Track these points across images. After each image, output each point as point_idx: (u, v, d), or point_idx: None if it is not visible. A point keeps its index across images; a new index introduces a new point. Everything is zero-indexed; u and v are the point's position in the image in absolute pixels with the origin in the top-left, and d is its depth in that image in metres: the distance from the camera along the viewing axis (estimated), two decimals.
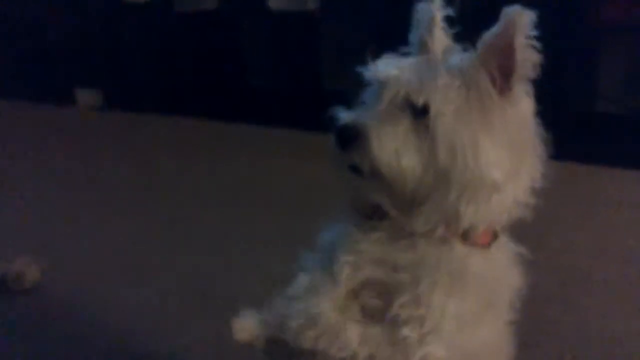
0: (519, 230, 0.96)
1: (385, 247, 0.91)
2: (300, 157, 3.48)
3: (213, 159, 3.71)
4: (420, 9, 0.97)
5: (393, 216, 0.91)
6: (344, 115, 0.91)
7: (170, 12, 4.78)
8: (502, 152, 0.87)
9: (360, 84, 0.96)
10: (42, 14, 5.15)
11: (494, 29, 0.87)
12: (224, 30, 4.60)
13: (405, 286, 0.88)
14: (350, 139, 0.88)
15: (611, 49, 3.48)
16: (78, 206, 2.92)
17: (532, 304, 0.97)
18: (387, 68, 0.92)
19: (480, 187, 0.86)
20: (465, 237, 0.90)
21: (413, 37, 0.98)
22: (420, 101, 0.87)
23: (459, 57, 0.92)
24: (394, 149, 0.87)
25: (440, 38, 0.96)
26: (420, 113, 0.87)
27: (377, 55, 0.95)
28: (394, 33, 0.98)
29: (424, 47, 0.96)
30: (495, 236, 0.93)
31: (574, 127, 3.06)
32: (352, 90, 0.97)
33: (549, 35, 0.85)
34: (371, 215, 0.93)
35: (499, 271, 0.93)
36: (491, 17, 0.87)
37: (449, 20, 0.97)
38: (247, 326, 0.98)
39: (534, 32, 0.84)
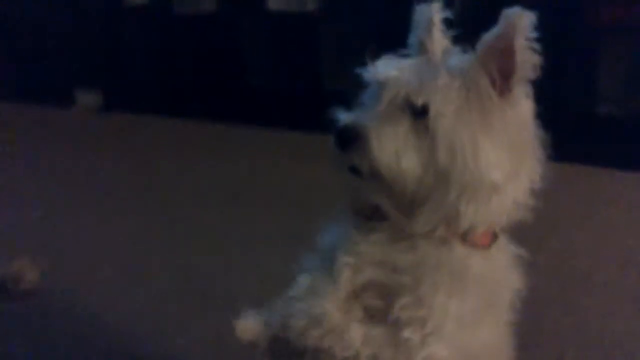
0: (518, 232, 0.96)
1: (385, 249, 0.91)
2: (300, 158, 3.48)
3: (213, 160, 3.71)
4: (419, 10, 0.97)
5: (393, 217, 0.91)
6: (344, 117, 0.92)
7: (170, 13, 4.77)
8: (502, 154, 0.87)
9: (360, 84, 0.96)
10: (42, 15, 5.15)
11: (494, 31, 0.87)
12: (224, 31, 4.60)
13: (406, 288, 0.88)
14: (350, 140, 0.88)
15: (611, 50, 3.48)
16: (78, 206, 2.92)
17: (532, 305, 0.97)
18: (386, 69, 0.92)
19: (480, 188, 0.86)
20: (465, 238, 0.90)
21: (412, 39, 0.98)
22: (419, 102, 0.87)
23: (459, 58, 0.92)
24: (393, 149, 0.87)
25: (439, 40, 0.96)
26: (419, 114, 0.87)
27: (376, 56, 0.95)
28: (394, 34, 0.99)
29: (422, 49, 0.97)
30: (495, 237, 0.93)
31: (574, 128, 3.06)
32: (352, 90, 0.97)
33: (549, 36, 0.85)
34: (371, 217, 0.93)
35: (499, 272, 0.93)
36: (490, 19, 0.87)
37: (448, 22, 0.97)
38: (249, 326, 0.98)
39: (534, 34, 0.85)
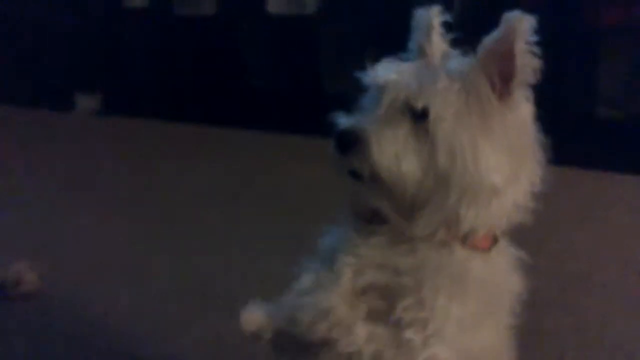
0: (519, 235, 0.97)
1: (386, 252, 0.91)
2: (300, 160, 3.48)
3: (213, 162, 3.71)
4: (419, 14, 0.97)
5: (393, 220, 0.91)
6: (344, 120, 0.92)
7: (170, 16, 4.77)
8: (502, 157, 0.87)
9: (360, 87, 0.96)
10: (41, 18, 5.15)
11: (494, 34, 0.87)
12: (224, 34, 4.60)
13: (408, 289, 0.88)
14: (350, 143, 0.88)
15: (611, 53, 3.48)
16: (78, 208, 2.92)
17: (532, 307, 0.97)
18: (386, 72, 0.92)
19: (480, 191, 0.86)
20: (466, 241, 0.90)
21: (411, 42, 0.98)
22: (419, 105, 0.87)
23: (459, 62, 0.92)
24: (393, 153, 0.87)
25: (439, 43, 0.96)
26: (419, 117, 0.88)
27: (376, 59, 0.95)
28: (393, 37, 0.99)
29: (422, 53, 0.97)
30: (495, 240, 0.93)
31: (574, 132, 3.06)
32: (352, 93, 0.97)
33: (549, 39, 0.86)
34: (371, 220, 0.94)
35: (499, 275, 0.93)
36: (489, 22, 0.88)
37: (447, 25, 0.97)
38: (254, 318, 0.97)
39: (534, 38, 0.85)
